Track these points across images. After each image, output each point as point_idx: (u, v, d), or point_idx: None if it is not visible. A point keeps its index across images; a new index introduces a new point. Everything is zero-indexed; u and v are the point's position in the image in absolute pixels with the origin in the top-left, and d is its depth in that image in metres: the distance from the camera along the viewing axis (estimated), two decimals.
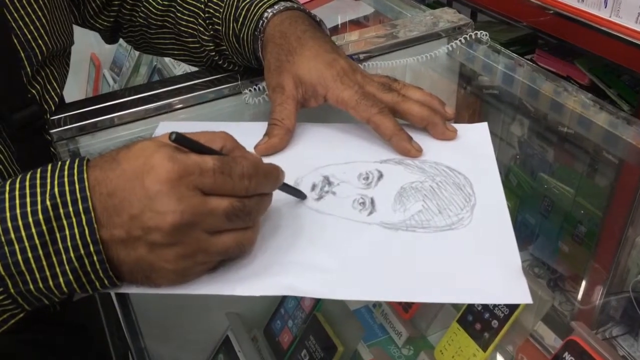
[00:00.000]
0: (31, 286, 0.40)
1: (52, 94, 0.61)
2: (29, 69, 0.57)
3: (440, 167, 0.55)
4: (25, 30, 0.56)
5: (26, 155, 0.59)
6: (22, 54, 0.56)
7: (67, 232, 0.39)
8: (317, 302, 0.72)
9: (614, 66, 1.01)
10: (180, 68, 1.17)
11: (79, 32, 0.71)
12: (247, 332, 0.78)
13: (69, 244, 0.39)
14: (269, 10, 0.61)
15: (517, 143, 0.93)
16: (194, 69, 0.74)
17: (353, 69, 0.58)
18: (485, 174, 0.54)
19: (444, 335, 0.65)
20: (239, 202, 0.42)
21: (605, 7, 1.00)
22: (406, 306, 0.71)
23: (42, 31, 0.57)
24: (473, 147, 0.57)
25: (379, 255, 0.47)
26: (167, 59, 1.25)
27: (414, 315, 0.70)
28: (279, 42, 0.59)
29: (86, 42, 1.41)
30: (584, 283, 0.88)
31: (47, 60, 0.60)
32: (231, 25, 0.64)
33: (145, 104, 0.65)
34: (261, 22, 0.61)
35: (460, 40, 0.73)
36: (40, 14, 0.57)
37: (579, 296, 0.86)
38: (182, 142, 0.41)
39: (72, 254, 0.39)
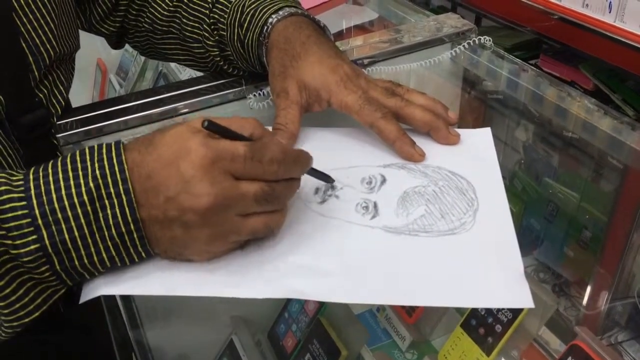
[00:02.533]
0: (76, 262, 0.43)
1: (59, 97, 0.62)
2: (36, 73, 0.58)
3: (443, 171, 0.55)
4: (33, 34, 0.56)
5: (34, 159, 0.59)
6: (30, 58, 0.57)
7: (109, 211, 0.42)
8: (321, 306, 0.72)
9: (618, 71, 1.01)
10: (186, 73, 1.18)
11: (85, 38, 0.72)
12: (251, 336, 0.79)
13: (112, 222, 0.42)
14: (273, 16, 0.61)
15: (521, 148, 0.93)
16: (200, 74, 0.75)
17: (357, 74, 0.59)
18: (488, 178, 0.54)
19: (448, 339, 0.65)
20: (268, 187, 0.44)
21: (610, 12, 1.00)
22: (410, 310, 0.71)
23: (50, 36, 0.58)
24: (476, 152, 0.57)
25: (382, 259, 0.47)
26: (173, 64, 1.26)
27: (417, 319, 0.70)
28: (283, 47, 0.59)
29: (93, 48, 1.42)
30: (589, 288, 0.88)
31: (54, 65, 0.60)
32: (236, 30, 0.64)
33: (150, 108, 0.66)
34: (266, 27, 0.61)
35: (463, 46, 0.73)
36: (48, 18, 0.58)
37: (584, 301, 0.86)
38: (214, 128, 0.43)
39: (114, 232, 0.42)
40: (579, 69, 1.12)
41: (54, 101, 0.61)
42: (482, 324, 0.61)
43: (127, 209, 0.42)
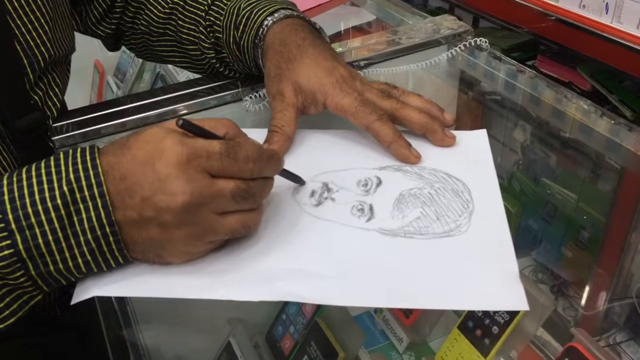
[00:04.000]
0: (51, 267, 0.42)
1: (55, 100, 0.61)
2: (31, 76, 0.57)
3: (438, 173, 0.55)
4: (28, 37, 0.56)
5: (29, 162, 0.59)
6: (25, 61, 0.57)
7: (84, 215, 0.42)
8: (319, 307, 0.72)
9: (615, 72, 1.01)
10: (184, 74, 1.18)
11: (83, 39, 0.72)
12: (248, 338, 0.78)
13: (87, 226, 0.42)
14: (269, 18, 0.61)
15: (519, 149, 0.93)
16: (196, 75, 0.75)
17: (352, 76, 0.59)
18: (483, 180, 0.54)
19: (445, 341, 0.65)
20: (244, 184, 0.44)
21: (607, 13, 1.00)
22: (407, 312, 0.71)
23: (44, 38, 0.58)
24: (472, 154, 0.57)
25: (378, 262, 0.47)
26: (170, 66, 1.26)
27: (415, 321, 0.70)
28: (279, 49, 0.59)
29: (90, 49, 1.42)
30: (587, 289, 0.88)
31: (49, 67, 0.60)
32: (232, 32, 0.64)
33: (147, 110, 0.66)
34: (261, 29, 0.61)
35: (460, 47, 0.73)
36: (42, 21, 0.58)
37: (583, 302, 0.86)
38: (188, 127, 0.43)
39: (89, 236, 0.42)
40: (576, 69, 1.12)
41: (50, 104, 0.61)
42: (479, 326, 0.61)
43: (102, 211, 0.42)
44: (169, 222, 0.42)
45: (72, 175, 0.42)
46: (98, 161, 0.42)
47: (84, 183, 0.42)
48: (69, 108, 0.69)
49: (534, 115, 0.77)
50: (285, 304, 0.78)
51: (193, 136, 0.43)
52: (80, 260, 0.43)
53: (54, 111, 0.62)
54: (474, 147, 0.58)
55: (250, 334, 0.80)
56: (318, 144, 0.60)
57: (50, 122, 0.62)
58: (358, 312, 0.75)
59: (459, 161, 0.56)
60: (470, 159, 0.57)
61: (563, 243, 0.89)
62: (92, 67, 1.64)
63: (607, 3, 1.00)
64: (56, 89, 0.62)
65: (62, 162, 0.43)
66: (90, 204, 0.42)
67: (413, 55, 0.74)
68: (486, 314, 0.61)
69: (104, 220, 0.42)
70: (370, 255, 0.48)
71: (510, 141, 0.92)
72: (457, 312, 0.67)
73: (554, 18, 1.07)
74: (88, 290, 0.44)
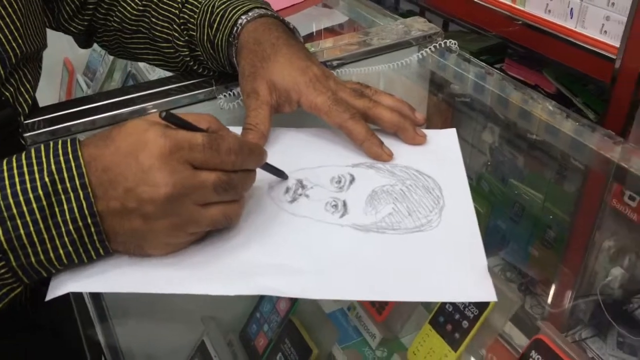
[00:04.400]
0: (32, 259, 0.42)
1: (26, 96, 0.61)
2: (2, 72, 0.57)
3: (410, 171, 0.56)
4: None
5: (1, 158, 0.58)
6: None
7: (65, 206, 0.42)
8: (292, 305, 0.73)
9: (580, 75, 1.04)
10: (155, 73, 1.17)
11: (52, 37, 0.71)
12: (222, 337, 0.78)
13: (68, 217, 0.42)
14: (243, 17, 0.62)
15: (488, 150, 0.95)
16: (169, 74, 0.75)
17: (326, 75, 0.60)
18: (453, 177, 0.56)
19: (416, 336, 0.66)
20: (226, 176, 0.45)
21: (571, 18, 1.03)
22: (380, 309, 0.72)
23: (16, 34, 0.57)
24: (442, 152, 0.59)
25: (351, 256, 0.48)
26: (142, 65, 1.25)
27: (387, 317, 0.71)
28: (253, 48, 0.60)
29: (59, 47, 1.40)
30: (553, 287, 0.90)
31: (21, 63, 0.60)
32: (206, 31, 0.64)
33: (119, 108, 0.65)
34: (235, 28, 0.62)
35: (430, 49, 0.75)
36: (14, 17, 0.57)
37: (549, 299, 0.89)
38: (172, 120, 0.44)
39: (71, 227, 0.42)
40: (542, 73, 1.16)
41: (21, 100, 0.60)
42: (449, 321, 0.63)
43: (83, 202, 0.42)
44: (151, 213, 0.43)
45: (53, 167, 0.42)
46: (80, 152, 0.43)
47: (65, 174, 0.42)
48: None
49: (502, 117, 0.79)
50: (259, 302, 0.78)
51: (176, 128, 0.44)
52: (61, 251, 0.43)
53: (25, 108, 0.61)
54: (444, 145, 0.60)
55: (224, 332, 0.80)
56: (292, 142, 0.61)
57: (22, 119, 0.61)
58: (331, 309, 0.76)
59: (429, 159, 0.57)
60: (440, 157, 0.58)
61: (530, 242, 0.91)
62: (61, 65, 1.61)
63: (571, 8, 1.03)
64: (27, 86, 0.61)
65: (42, 153, 0.43)
66: (72, 194, 0.42)
67: (384, 56, 0.75)
68: (456, 309, 0.62)
69: (86, 211, 0.42)
70: (344, 250, 0.48)
71: (479, 143, 0.94)
72: (428, 308, 0.68)
73: (520, 22, 1.10)
74: (63, 286, 0.44)
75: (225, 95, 0.67)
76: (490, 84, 0.74)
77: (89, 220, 0.42)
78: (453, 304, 0.62)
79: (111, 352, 0.57)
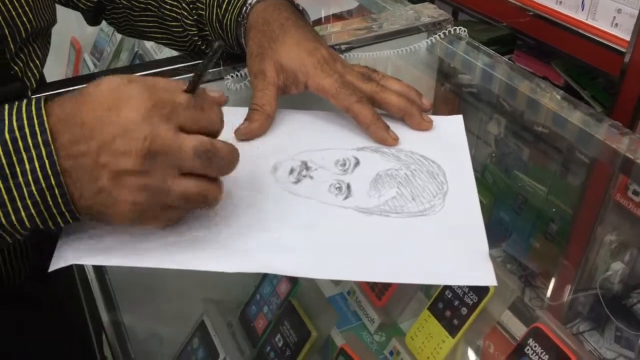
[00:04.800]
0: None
1: (35, 71, 0.61)
2: (12, 46, 0.57)
3: (415, 156, 0.56)
4: (10, 6, 0.56)
5: None
6: (6, 31, 0.56)
7: (27, 165, 0.40)
8: (293, 288, 0.73)
9: (589, 68, 1.04)
10: (163, 54, 1.17)
11: (60, 15, 0.71)
12: (222, 318, 0.79)
13: (30, 178, 0.40)
14: None
15: (493, 141, 0.95)
16: (177, 54, 0.75)
17: (334, 58, 0.59)
18: (458, 164, 0.56)
19: (415, 322, 0.66)
20: (209, 141, 0.43)
21: (583, 9, 1.03)
22: (379, 293, 0.72)
23: (26, 9, 0.57)
24: (448, 138, 0.59)
25: (353, 238, 0.48)
26: (149, 45, 1.25)
27: (387, 302, 0.72)
28: (261, 28, 0.60)
29: (67, 25, 1.40)
30: (553, 280, 0.90)
31: (30, 38, 0.60)
32: (215, 10, 0.64)
33: None
34: (245, 8, 0.62)
35: (439, 35, 0.75)
36: None
37: (549, 292, 0.89)
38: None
39: (33, 187, 0.40)
40: (551, 65, 1.15)
41: (29, 74, 0.60)
42: (448, 307, 0.63)
43: (46, 160, 0.40)
44: (122, 169, 0.41)
45: (15, 124, 0.40)
46: (43, 110, 0.40)
47: (27, 130, 0.40)
48: None
49: (508, 109, 0.79)
50: (260, 284, 0.78)
51: (156, 82, 0.43)
52: (23, 213, 0.40)
53: (34, 82, 0.61)
54: (450, 131, 0.60)
55: (224, 313, 0.80)
56: (298, 124, 0.61)
57: (29, 93, 0.61)
58: (331, 293, 0.76)
59: (435, 145, 0.57)
60: (446, 143, 0.58)
61: (532, 235, 0.91)
62: (68, 43, 1.60)
63: (583, 0, 1.02)
64: (37, 61, 0.61)
65: (6, 111, 0.41)
66: (33, 152, 0.40)
67: (393, 41, 0.75)
68: (456, 295, 0.63)
69: (49, 171, 0.40)
70: (346, 231, 0.49)
71: (484, 134, 0.93)
72: (427, 294, 0.68)
73: (531, 13, 1.09)
74: (65, 258, 0.44)
75: (232, 76, 0.67)
76: (499, 73, 0.73)
77: (53, 181, 0.40)
78: (452, 290, 0.62)
79: (115, 329, 0.57)
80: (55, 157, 0.40)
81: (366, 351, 0.66)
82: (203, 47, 0.69)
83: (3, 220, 0.40)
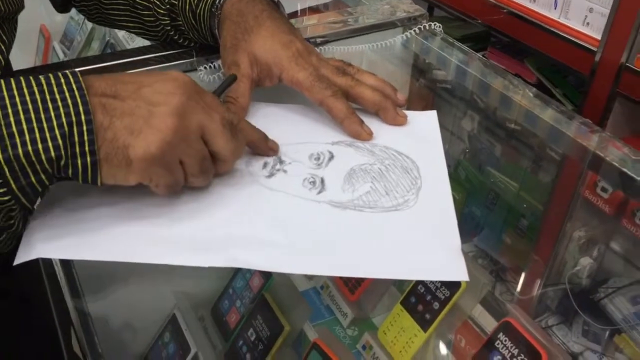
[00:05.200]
0: (20, 150, 0.39)
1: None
2: None
3: (389, 150, 0.56)
4: None
5: None
6: None
7: (57, 95, 0.40)
8: (266, 282, 0.73)
9: (561, 66, 1.05)
10: (135, 44, 1.15)
11: (29, 1, 0.69)
12: (194, 312, 0.78)
13: (62, 110, 0.40)
14: None
15: (466, 137, 0.95)
16: (149, 44, 0.73)
17: (309, 51, 0.59)
18: (431, 159, 0.56)
19: (388, 316, 0.66)
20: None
21: (555, 8, 1.04)
22: (353, 288, 0.72)
23: None
24: (422, 133, 0.59)
25: (326, 233, 0.48)
26: (121, 34, 1.23)
27: (360, 297, 0.72)
28: (236, 20, 0.59)
29: (36, 12, 1.36)
30: (523, 274, 0.91)
31: None
32: (188, 0, 0.63)
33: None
34: None
35: (414, 30, 0.75)
36: None
37: (519, 287, 0.90)
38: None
39: (63, 119, 0.40)
40: (524, 62, 1.16)
41: None
42: (420, 302, 0.63)
43: (76, 92, 0.41)
44: (162, 101, 0.43)
45: (46, 80, 0.41)
46: (79, 75, 0.42)
47: (62, 80, 0.41)
48: None
49: (482, 104, 0.80)
50: (233, 278, 0.78)
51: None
52: (50, 143, 0.40)
53: None
54: (424, 127, 0.60)
55: (196, 307, 0.79)
56: (272, 117, 0.60)
57: None
58: (305, 287, 0.76)
59: (409, 140, 0.57)
60: (420, 138, 0.58)
61: (503, 230, 0.92)
62: (37, 31, 1.56)
63: None
64: (2, 46, 0.59)
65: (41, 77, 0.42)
66: (65, 87, 0.41)
67: (368, 35, 0.75)
68: (428, 290, 0.63)
69: (78, 99, 0.41)
70: (320, 226, 0.48)
71: (458, 130, 0.94)
72: (400, 289, 0.68)
73: (506, 11, 1.10)
74: (31, 252, 0.43)
75: (205, 67, 0.66)
76: (473, 69, 0.74)
77: (80, 108, 0.40)
78: (425, 285, 0.63)
79: (81, 323, 0.56)
80: (84, 86, 0.41)
81: (339, 345, 0.66)
82: (176, 37, 0.68)
83: (29, 148, 0.39)
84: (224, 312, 0.77)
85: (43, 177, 0.41)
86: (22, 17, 0.65)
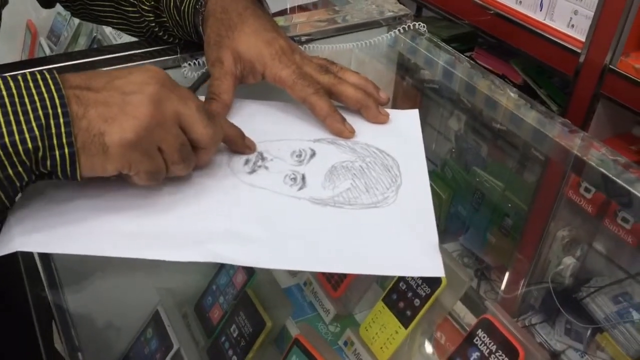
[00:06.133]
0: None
1: None
2: None
3: (370, 148, 0.56)
4: None
5: None
6: None
7: (33, 90, 0.41)
8: (249, 278, 0.73)
9: (546, 67, 1.06)
10: (122, 40, 1.14)
11: None
12: (177, 308, 0.78)
13: (38, 103, 0.40)
14: None
15: (453, 137, 0.96)
16: (134, 39, 0.73)
17: (292, 49, 0.59)
18: (412, 157, 0.56)
19: (369, 313, 0.67)
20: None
21: (541, 10, 1.05)
22: (335, 285, 0.72)
23: None
24: (403, 132, 0.60)
25: (306, 229, 0.48)
26: (107, 30, 1.22)
27: (342, 294, 0.72)
28: (220, 17, 0.59)
29: (22, 8, 1.35)
30: (507, 273, 0.92)
31: None
32: None
33: (80, 70, 0.64)
34: None
35: (399, 30, 0.75)
36: None
37: (503, 285, 0.91)
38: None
39: (40, 112, 0.40)
40: (510, 63, 1.17)
41: None
42: (402, 299, 0.64)
43: (52, 85, 0.41)
44: (136, 90, 0.43)
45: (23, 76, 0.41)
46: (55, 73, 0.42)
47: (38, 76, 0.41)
48: None
49: (468, 105, 0.80)
50: (216, 274, 0.78)
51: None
52: (27, 135, 0.40)
53: None
54: (406, 125, 0.61)
55: (179, 303, 0.79)
56: (255, 114, 0.60)
57: None
58: (288, 284, 0.77)
59: (390, 138, 0.58)
60: (401, 137, 0.59)
61: (488, 229, 0.93)
62: (24, 26, 1.55)
63: (541, 0, 1.04)
64: None
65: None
66: (41, 82, 0.41)
67: (353, 34, 0.75)
68: (409, 287, 0.64)
69: (54, 93, 0.41)
70: (300, 222, 0.49)
71: (445, 129, 0.95)
72: (382, 286, 0.69)
73: (492, 12, 1.11)
74: (10, 245, 0.43)
75: (189, 64, 0.66)
76: (458, 71, 0.74)
77: (57, 101, 0.41)
78: (406, 282, 0.63)
79: (60, 319, 0.56)
80: (59, 81, 0.42)
81: (320, 341, 0.67)
82: (160, 34, 0.68)
83: (6, 139, 0.39)
84: (207, 308, 0.77)
85: (20, 169, 0.41)
86: (8, 12, 0.65)
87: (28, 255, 0.57)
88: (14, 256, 0.44)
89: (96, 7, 0.71)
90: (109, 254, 0.44)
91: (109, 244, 0.45)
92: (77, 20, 1.37)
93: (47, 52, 1.46)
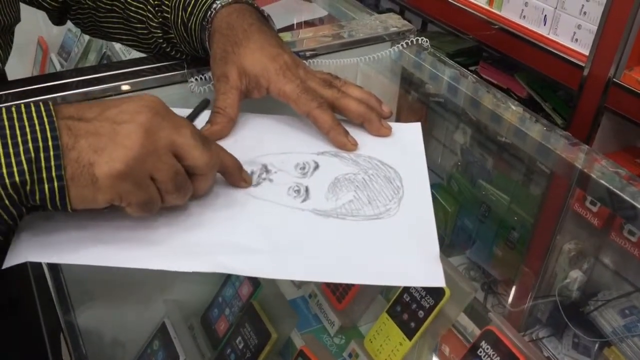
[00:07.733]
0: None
1: None
2: None
3: (373, 161, 0.57)
4: None
5: None
6: None
7: (26, 122, 0.41)
8: (254, 290, 0.74)
9: (550, 81, 1.07)
10: (131, 56, 1.16)
11: (27, 14, 0.70)
12: (184, 320, 0.79)
13: (29, 135, 0.40)
14: (217, 2, 0.62)
15: (459, 151, 0.97)
16: (143, 56, 0.75)
17: (296, 64, 0.60)
18: (414, 169, 0.57)
19: (374, 325, 0.67)
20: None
21: (545, 24, 1.06)
22: (340, 297, 0.73)
23: None
24: (405, 145, 0.60)
25: (309, 240, 0.49)
26: (117, 46, 1.24)
27: (347, 306, 0.73)
28: (225, 33, 0.61)
29: (34, 24, 1.38)
30: (514, 286, 0.92)
31: None
32: (180, 13, 0.65)
33: (90, 86, 0.65)
34: (210, 12, 0.62)
35: (402, 45, 0.76)
36: None
37: (510, 299, 0.91)
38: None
39: (28, 135, 0.40)
40: (514, 77, 1.18)
41: None
42: (406, 310, 0.64)
43: (45, 117, 0.41)
44: (126, 120, 0.43)
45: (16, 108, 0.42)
46: (50, 105, 0.42)
47: (32, 108, 0.42)
48: None
49: (473, 119, 0.81)
50: (222, 286, 0.79)
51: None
52: (15, 169, 0.40)
53: None
54: (408, 138, 0.61)
55: (186, 315, 0.80)
56: (259, 128, 0.61)
57: None
58: (293, 296, 0.77)
59: (393, 151, 0.59)
60: (403, 149, 0.59)
61: (495, 243, 0.93)
62: (35, 43, 1.58)
63: (545, 15, 1.05)
64: None
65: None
66: (34, 111, 0.41)
67: (357, 49, 0.76)
68: (413, 299, 0.64)
69: (46, 125, 0.41)
70: (303, 233, 0.50)
71: (451, 143, 0.95)
72: (386, 298, 0.69)
73: (497, 27, 1.12)
74: (20, 256, 0.44)
75: (196, 79, 0.67)
76: (462, 85, 0.75)
77: (48, 134, 0.40)
78: (410, 294, 0.63)
79: (69, 331, 0.57)
80: (52, 112, 0.42)
81: (325, 353, 0.67)
82: (168, 50, 0.70)
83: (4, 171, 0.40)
84: (213, 320, 0.78)
85: (7, 202, 0.41)
86: (20, 29, 0.67)
87: (37, 266, 0.58)
88: (24, 268, 0.45)
89: (106, 24, 0.73)
90: (117, 264, 0.45)
91: (116, 255, 0.46)
92: (87, 37, 1.39)
93: (58, 67, 1.49)
